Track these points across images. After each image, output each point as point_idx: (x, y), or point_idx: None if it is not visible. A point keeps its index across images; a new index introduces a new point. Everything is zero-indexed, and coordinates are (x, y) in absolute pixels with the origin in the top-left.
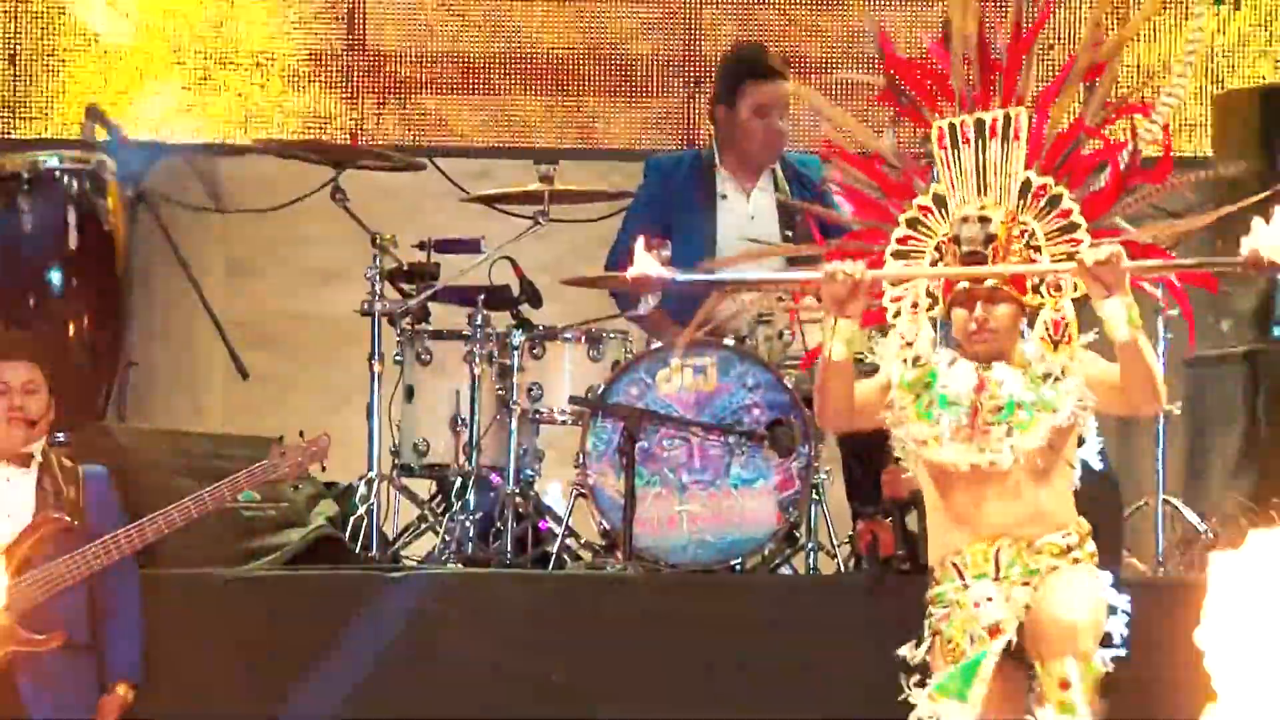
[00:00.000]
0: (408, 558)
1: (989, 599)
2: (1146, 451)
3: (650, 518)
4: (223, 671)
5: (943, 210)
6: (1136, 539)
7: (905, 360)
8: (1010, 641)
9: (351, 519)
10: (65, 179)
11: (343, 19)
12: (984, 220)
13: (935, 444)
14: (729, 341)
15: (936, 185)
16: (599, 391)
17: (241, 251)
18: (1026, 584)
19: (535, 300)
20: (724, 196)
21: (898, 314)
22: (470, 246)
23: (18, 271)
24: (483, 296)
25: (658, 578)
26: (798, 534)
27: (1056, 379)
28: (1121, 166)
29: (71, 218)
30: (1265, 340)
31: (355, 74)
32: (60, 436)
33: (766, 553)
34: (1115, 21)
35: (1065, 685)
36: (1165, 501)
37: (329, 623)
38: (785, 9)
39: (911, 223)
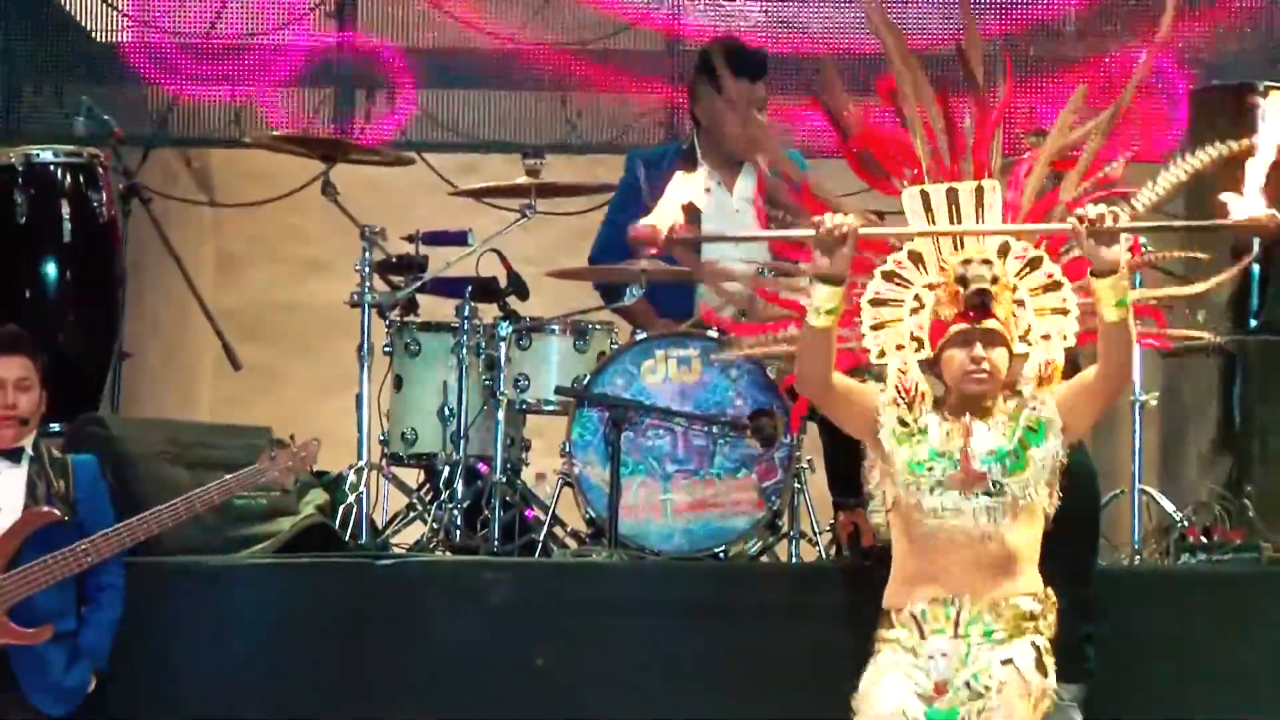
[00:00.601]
0: (396, 545)
1: (943, 654)
2: (1123, 441)
3: (635, 506)
4: (212, 658)
5: (920, 265)
6: (1113, 528)
7: (892, 411)
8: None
9: (341, 507)
10: (59, 172)
11: (333, 15)
12: (987, 263)
13: (930, 494)
14: (712, 333)
15: (910, 244)
16: (584, 382)
17: (232, 244)
18: (995, 643)
19: (522, 292)
20: (707, 190)
21: (881, 354)
22: (458, 239)
23: (13, 264)
24: (470, 288)
25: (642, 565)
26: (780, 522)
27: (1038, 425)
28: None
29: (66, 210)
30: (1240, 332)
31: (345, 70)
32: (55, 427)
33: (749, 541)
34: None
35: None
36: (1142, 491)
37: (319, 610)
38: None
39: (887, 275)
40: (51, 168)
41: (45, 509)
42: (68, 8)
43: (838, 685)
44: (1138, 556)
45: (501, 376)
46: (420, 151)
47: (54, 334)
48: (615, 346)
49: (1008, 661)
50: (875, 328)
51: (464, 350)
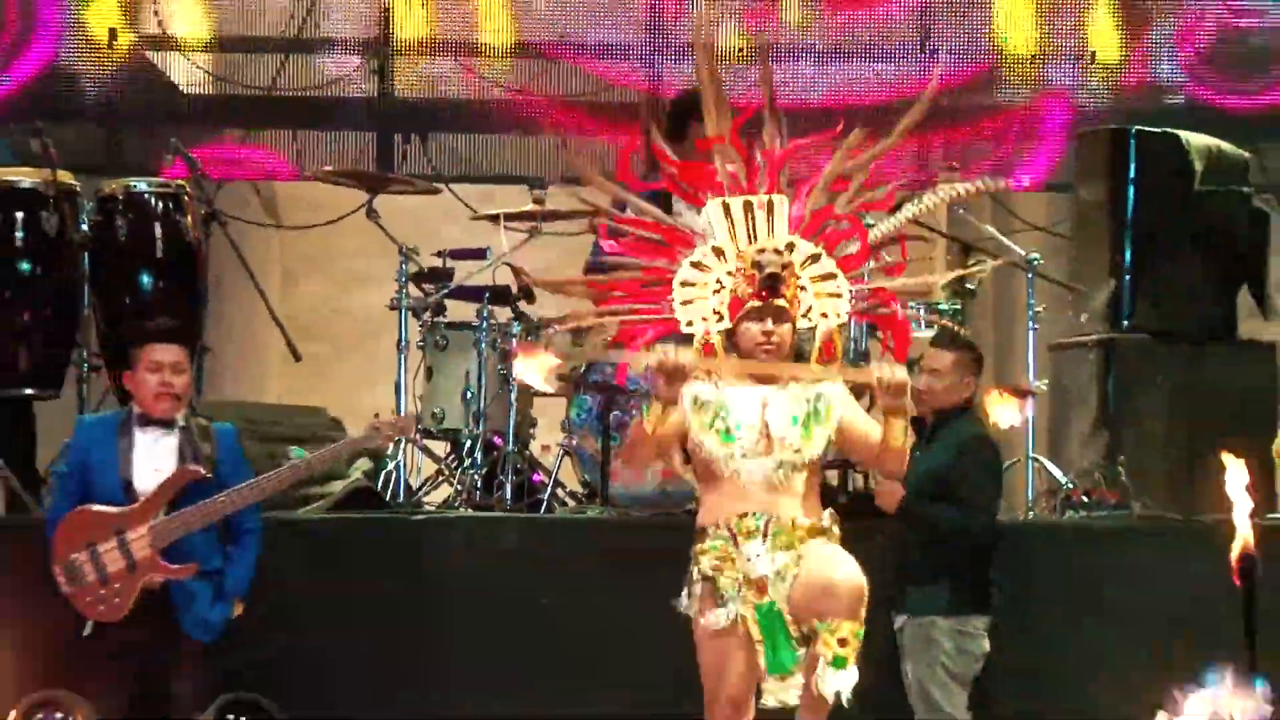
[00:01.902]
0: (427, 504)
1: (758, 555)
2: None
3: (621, 472)
4: (282, 592)
5: (720, 257)
6: (1011, 490)
7: (695, 397)
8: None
9: (382, 473)
10: (152, 200)
11: (375, 71)
12: (778, 252)
13: (734, 456)
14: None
15: (713, 241)
16: (581, 371)
17: (293, 260)
18: (790, 549)
19: (530, 298)
20: (679, 215)
21: (689, 323)
22: (477, 255)
23: (115, 276)
24: (487, 295)
25: (628, 520)
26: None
27: (820, 396)
28: (870, 241)
29: (158, 232)
30: (1115, 331)
31: (386, 116)
32: None
33: None
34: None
35: (844, 643)
36: (1034, 460)
37: (363, 556)
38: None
39: (695, 264)
40: (146, 196)
41: (192, 467)
42: (160, 66)
43: None
44: (1031, 513)
45: (513, 366)
46: (446, 183)
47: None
48: (605, 341)
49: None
50: (684, 303)
51: (483, 345)
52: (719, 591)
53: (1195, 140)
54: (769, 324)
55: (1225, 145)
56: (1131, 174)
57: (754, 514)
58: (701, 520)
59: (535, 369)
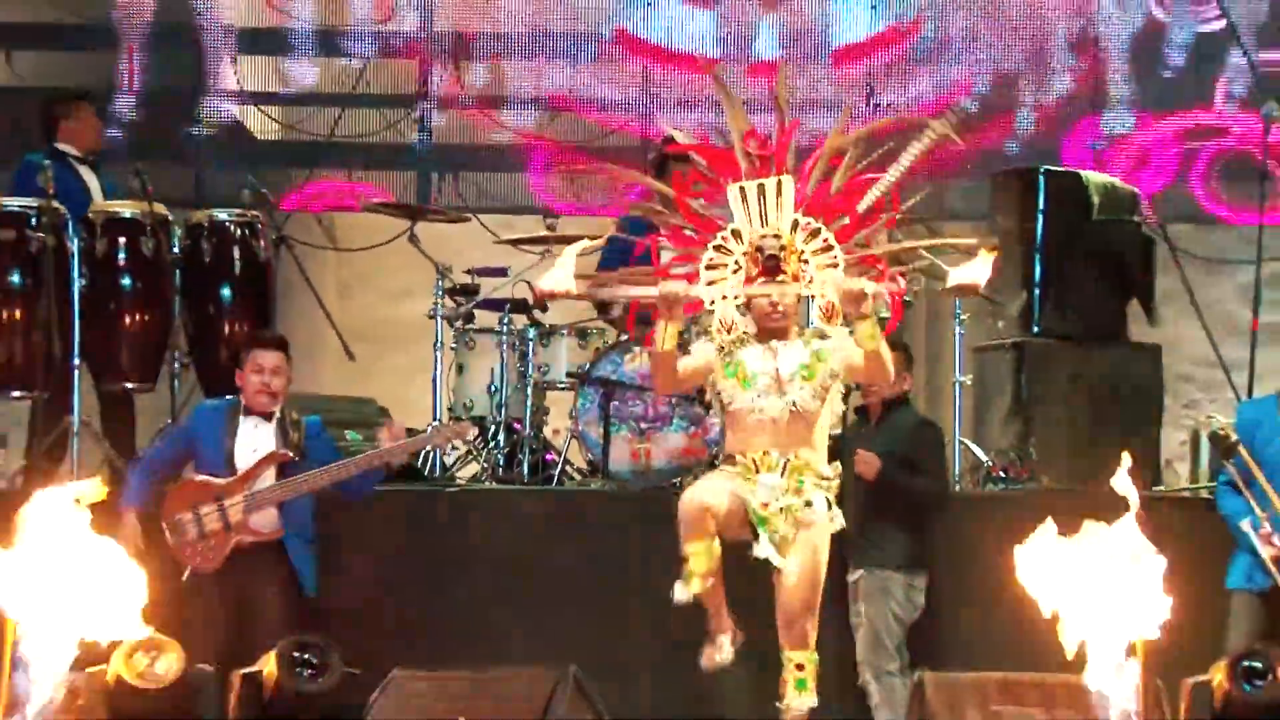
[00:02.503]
0: (459, 478)
1: (768, 486)
2: (948, 409)
3: (620, 453)
4: (342, 553)
5: (738, 239)
6: None
7: (721, 347)
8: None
9: (422, 453)
10: (232, 227)
11: (417, 121)
12: (776, 236)
13: (758, 400)
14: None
15: (733, 224)
16: (585, 368)
17: (348, 276)
18: (799, 492)
19: (543, 308)
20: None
21: (713, 301)
22: (500, 273)
23: (201, 290)
24: (508, 305)
25: (625, 492)
26: (717, 462)
27: (818, 354)
28: (859, 210)
29: (236, 254)
30: (1027, 335)
31: (424, 159)
32: (229, 398)
33: (695, 475)
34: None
35: (800, 668)
36: (961, 442)
37: (408, 520)
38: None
39: (718, 247)
40: (226, 224)
41: (282, 450)
42: (239, 117)
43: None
44: (959, 485)
45: (530, 364)
46: (474, 213)
47: (230, 338)
48: (606, 344)
49: (809, 504)
50: (709, 284)
51: (504, 347)
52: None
53: (1093, 178)
54: (774, 296)
55: (1118, 181)
56: (1040, 205)
57: (775, 451)
58: (729, 449)
59: (560, 275)
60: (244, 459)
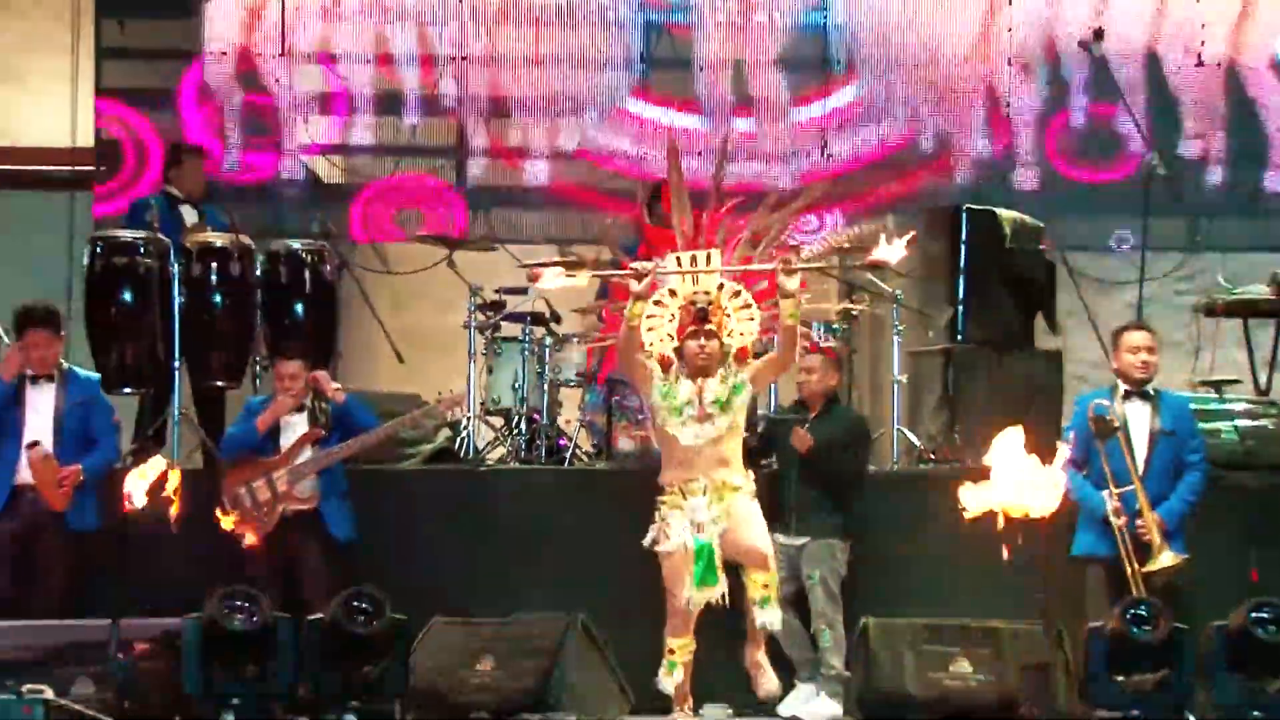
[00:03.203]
0: (488, 460)
1: (698, 508)
2: (887, 403)
3: (621, 438)
4: (381, 524)
5: (674, 295)
6: (880, 451)
7: (660, 383)
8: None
9: (459, 438)
10: (304, 254)
11: (453, 168)
12: (706, 293)
13: (683, 428)
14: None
15: (670, 285)
16: (594, 371)
17: (399, 294)
18: (721, 502)
19: (558, 321)
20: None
21: (653, 344)
22: (522, 292)
23: (279, 307)
24: (529, 318)
25: (624, 470)
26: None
27: (736, 386)
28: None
29: (307, 276)
30: (952, 343)
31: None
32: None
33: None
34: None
35: (765, 587)
36: (898, 429)
37: (444, 497)
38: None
39: (657, 302)
40: (299, 252)
41: (313, 429)
42: (308, 164)
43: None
44: (896, 465)
45: (546, 367)
46: (501, 243)
47: (303, 345)
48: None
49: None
50: (649, 330)
51: (526, 352)
52: (671, 528)
53: (1005, 214)
54: (702, 341)
55: (1026, 217)
56: (963, 237)
57: (698, 479)
58: (662, 480)
59: (552, 280)
60: (287, 440)
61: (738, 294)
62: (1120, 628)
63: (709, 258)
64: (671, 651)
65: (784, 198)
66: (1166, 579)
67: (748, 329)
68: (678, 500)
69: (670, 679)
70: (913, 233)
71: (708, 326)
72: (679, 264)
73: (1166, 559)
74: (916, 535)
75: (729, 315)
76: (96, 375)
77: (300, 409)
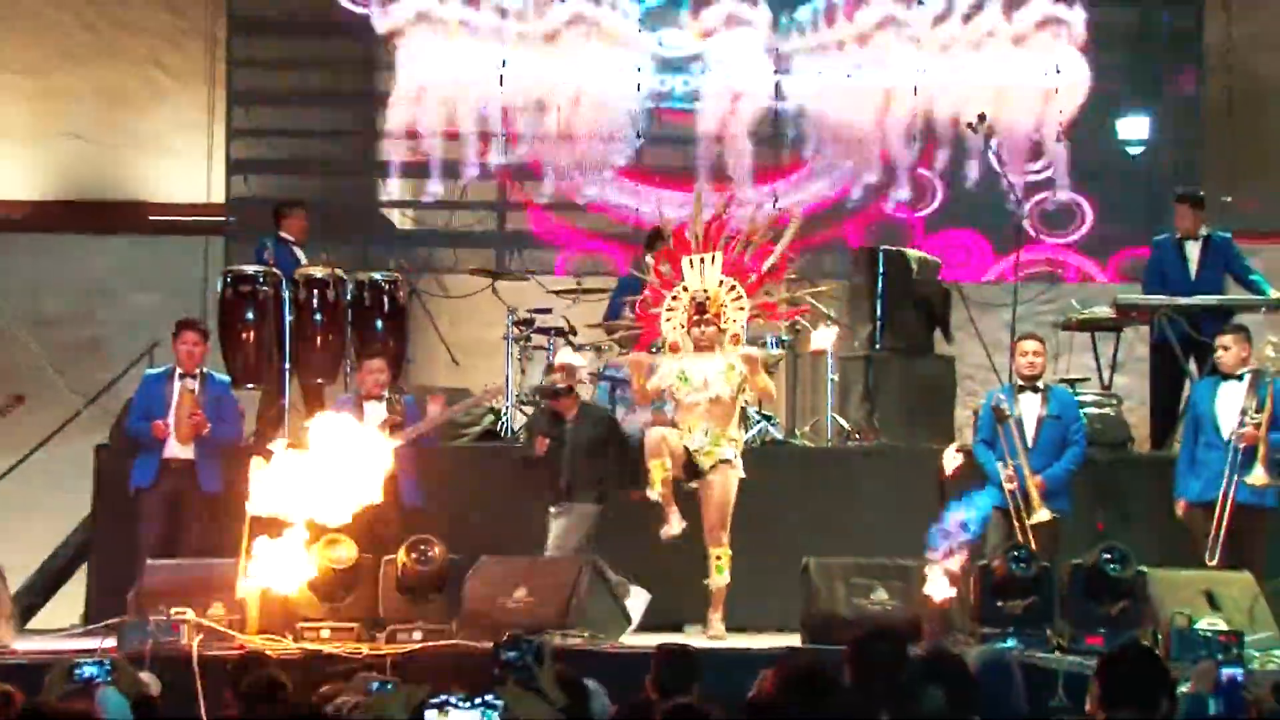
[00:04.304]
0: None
1: (698, 444)
2: (823, 394)
3: (624, 423)
4: (437, 494)
5: (687, 292)
6: (819, 433)
7: (671, 364)
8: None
9: (500, 422)
10: (382, 283)
11: (496, 217)
12: (705, 290)
13: (693, 393)
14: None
15: (683, 283)
16: (601, 370)
17: (455, 312)
18: (717, 445)
19: (575, 334)
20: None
21: (669, 333)
22: (547, 312)
23: (362, 322)
24: (552, 333)
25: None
26: None
27: (730, 364)
28: (763, 269)
29: (385, 299)
30: (872, 350)
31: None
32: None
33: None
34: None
35: (719, 558)
36: (831, 415)
37: (489, 467)
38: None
39: (674, 297)
40: (379, 281)
41: (388, 416)
42: (387, 215)
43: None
44: (830, 444)
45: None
46: (532, 275)
47: (382, 354)
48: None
49: (725, 459)
50: (666, 320)
51: (550, 358)
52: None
53: (912, 253)
54: (703, 329)
55: (928, 255)
56: (880, 270)
57: (702, 424)
58: (677, 426)
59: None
60: (369, 424)
61: (733, 288)
62: (1003, 565)
63: (712, 259)
64: (648, 471)
65: (773, 219)
66: (1050, 528)
67: (739, 317)
68: (685, 437)
69: (653, 491)
70: (835, 324)
71: (708, 315)
72: (690, 265)
73: (1044, 515)
74: (842, 500)
75: (725, 306)
76: (227, 377)
77: (379, 399)
